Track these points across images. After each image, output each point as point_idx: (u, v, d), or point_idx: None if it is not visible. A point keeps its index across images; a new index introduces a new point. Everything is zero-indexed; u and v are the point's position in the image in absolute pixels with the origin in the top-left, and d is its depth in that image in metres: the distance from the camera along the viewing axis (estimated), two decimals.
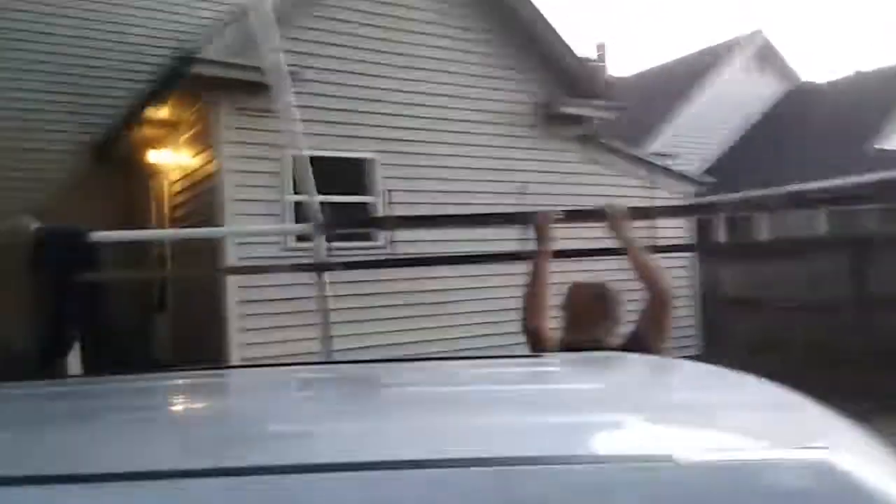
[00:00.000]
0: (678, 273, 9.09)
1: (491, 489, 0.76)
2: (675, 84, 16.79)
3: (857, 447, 0.93)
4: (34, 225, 2.76)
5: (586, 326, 2.59)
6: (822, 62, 58.53)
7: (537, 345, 2.63)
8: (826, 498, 0.78)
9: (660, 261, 2.61)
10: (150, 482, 0.79)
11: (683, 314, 9.10)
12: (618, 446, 0.92)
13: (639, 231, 2.83)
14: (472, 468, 0.79)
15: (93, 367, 2.54)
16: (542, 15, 8.78)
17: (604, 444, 0.94)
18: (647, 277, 2.54)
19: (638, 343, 2.42)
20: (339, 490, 0.76)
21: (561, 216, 2.98)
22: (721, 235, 13.05)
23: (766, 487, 0.79)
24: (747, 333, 9.51)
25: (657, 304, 2.52)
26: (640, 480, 0.79)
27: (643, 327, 2.53)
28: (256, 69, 6.55)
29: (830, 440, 0.95)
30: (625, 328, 2.60)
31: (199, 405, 1.33)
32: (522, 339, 2.71)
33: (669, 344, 2.52)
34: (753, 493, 0.79)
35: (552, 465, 0.80)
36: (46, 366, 2.49)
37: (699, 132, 15.66)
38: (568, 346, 2.52)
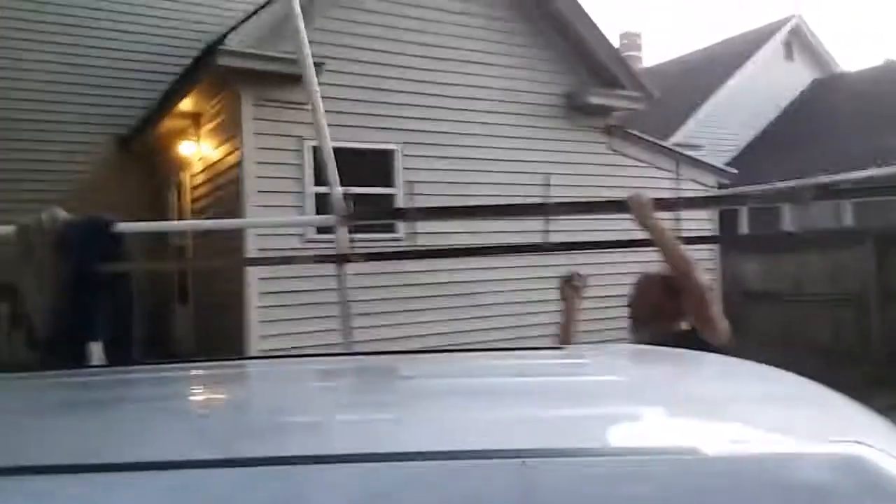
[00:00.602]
0: (700, 267, 8.97)
1: (509, 482, 0.74)
2: (706, 72, 16.56)
3: (887, 441, 0.90)
4: (62, 215, 2.78)
5: (659, 322, 2.51)
6: (855, 50, 57.54)
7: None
8: (855, 492, 0.76)
9: (690, 253, 2.52)
10: (158, 473, 0.77)
11: None
12: (643, 439, 0.89)
13: (665, 222, 2.74)
14: (491, 460, 0.77)
15: (114, 357, 2.56)
16: (574, 1, 8.66)
17: (627, 436, 0.92)
18: (680, 268, 2.44)
19: (695, 338, 2.30)
20: (352, 481, 0.74)
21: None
22: (745, 228, 12.87)
23: (794, 481, 0.77)
24: (769, 327, 9.39)
25: (694, 299, 2.42)
26: (664, 473, 0.77)
27: (693, 321, 2.44)
28: (279, 60, 6.65)
29: (860, 434, 0.93)
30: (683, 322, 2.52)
31: (213, 396, 1.32)
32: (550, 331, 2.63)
33: (725, 336, 2.38)
34: (781, 487, 0.76)
35: (573, 458, 0.78)
36: (67, 355, 2.51)
37: (728, 122, 15.42)
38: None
